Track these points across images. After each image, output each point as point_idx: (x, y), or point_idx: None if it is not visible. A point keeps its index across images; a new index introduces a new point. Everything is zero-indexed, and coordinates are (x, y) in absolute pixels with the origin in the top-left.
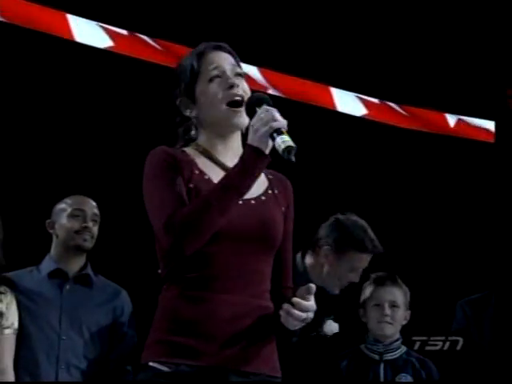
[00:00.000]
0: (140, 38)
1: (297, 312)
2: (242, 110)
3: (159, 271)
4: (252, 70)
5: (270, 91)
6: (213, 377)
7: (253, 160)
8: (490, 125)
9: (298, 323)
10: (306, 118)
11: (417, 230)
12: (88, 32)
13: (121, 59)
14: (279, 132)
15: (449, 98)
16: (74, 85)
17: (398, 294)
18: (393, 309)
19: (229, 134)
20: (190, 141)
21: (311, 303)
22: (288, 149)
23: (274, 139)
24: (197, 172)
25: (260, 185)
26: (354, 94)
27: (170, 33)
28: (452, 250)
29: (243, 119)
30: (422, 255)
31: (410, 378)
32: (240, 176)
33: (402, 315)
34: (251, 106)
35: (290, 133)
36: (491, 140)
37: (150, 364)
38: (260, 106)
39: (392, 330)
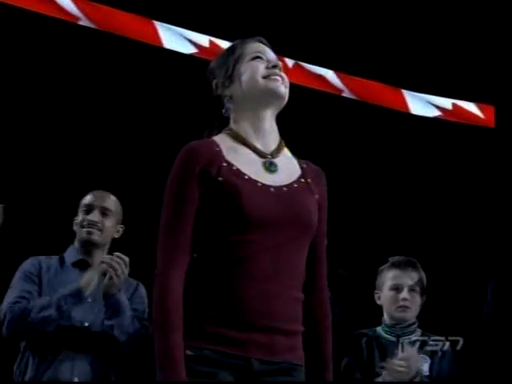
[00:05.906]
0: None
1: None
2: (281, 80)
3: (195, 255)
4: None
5: (345, 94)
6: (236, 363)
7: None
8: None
9: None
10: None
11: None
12: None
13: (157, 55)
14: None
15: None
16: (107, 78)
17: (417, 278)
18: (411, 293)
19: (262, 111)
20: (219, 126)
21: None
22: None
23: None
24: (225, 164)
25: (292, 173)
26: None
27: None
28: (449, 250)
29: (280, 88)
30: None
31: (427, 359)
32: None
33: (419, 299)
34: None
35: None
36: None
37: None
38: None
39: (411, 314)
